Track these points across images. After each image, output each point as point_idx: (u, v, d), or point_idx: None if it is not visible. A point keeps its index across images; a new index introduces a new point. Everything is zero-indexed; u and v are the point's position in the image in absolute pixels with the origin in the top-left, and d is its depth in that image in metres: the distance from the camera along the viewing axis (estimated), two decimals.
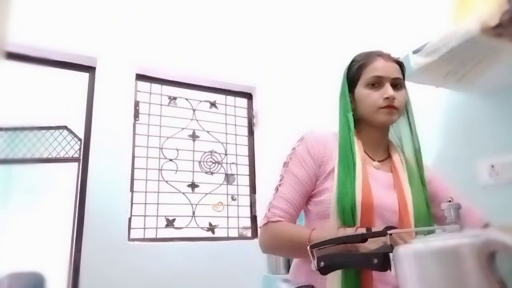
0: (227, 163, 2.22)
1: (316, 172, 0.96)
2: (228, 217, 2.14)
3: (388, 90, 0.94)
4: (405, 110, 1.02)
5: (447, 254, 0.54)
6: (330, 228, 0.88)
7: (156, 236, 1.92)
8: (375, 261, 0.64)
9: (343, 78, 1.02)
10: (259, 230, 0.99)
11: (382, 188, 0.94)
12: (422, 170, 1.00)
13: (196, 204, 2.07)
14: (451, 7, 1.28)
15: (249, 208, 2.19)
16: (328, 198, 0.91)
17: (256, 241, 2.09)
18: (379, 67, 0.96)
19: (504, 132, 1.36)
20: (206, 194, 2.11)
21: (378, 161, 1.00)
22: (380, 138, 1.03)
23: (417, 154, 1.01)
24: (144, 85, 2.10)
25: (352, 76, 1.01)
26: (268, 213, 0.95)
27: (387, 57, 0.99)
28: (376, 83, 0.96)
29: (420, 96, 1.73)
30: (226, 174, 2.20)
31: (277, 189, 0.96)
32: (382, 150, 1.03)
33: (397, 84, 0.97)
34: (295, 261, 1.03)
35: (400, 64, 1.01)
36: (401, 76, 0.99)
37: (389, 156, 1.03)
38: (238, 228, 2.16)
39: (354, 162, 0.92)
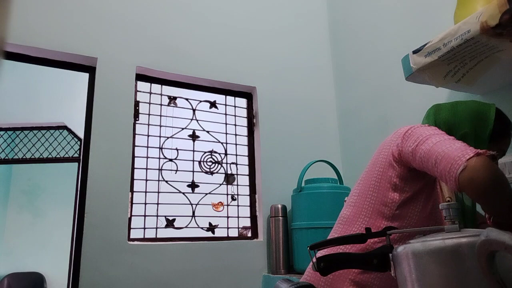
0: (227, 163, 2.22)
1: None
2: (228, 217, 2.14)
3: None
4: None
5: (446, 254, 0.54)
6: None
7: (156, 236, 1.91)
8: (375, 261, 0.63)
9: (493, 120, 1.04)
10: (466, 166, 0.76)
11: None
12: None
13: (196, 204, 2.07)
14: (451, 7, 1.28)
15: (249, 208, 2.18)
16: None
17: (256, 241, 2.11)
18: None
19: None
20: (206, 194, 2.11)
21: None
22: None
23: None
24: (144, 85, 2.09)
25: (498, 132, 1.08)
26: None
27: None
28: (500, 155, 1.10)
29: (420, 96, 1.74)
30: (226, 174, 2.20)
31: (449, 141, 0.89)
32: None
33: None
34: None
35: None
36: None
37: None
38: (238, 228, 2.16)
39: None
